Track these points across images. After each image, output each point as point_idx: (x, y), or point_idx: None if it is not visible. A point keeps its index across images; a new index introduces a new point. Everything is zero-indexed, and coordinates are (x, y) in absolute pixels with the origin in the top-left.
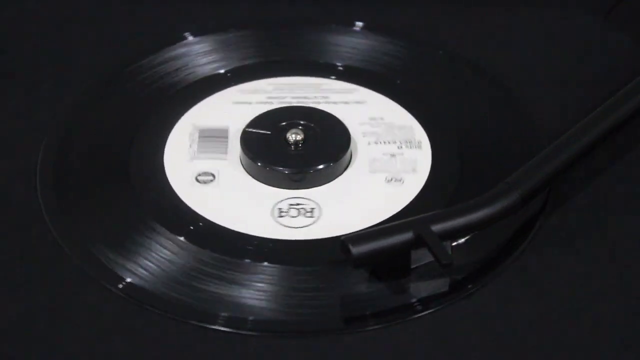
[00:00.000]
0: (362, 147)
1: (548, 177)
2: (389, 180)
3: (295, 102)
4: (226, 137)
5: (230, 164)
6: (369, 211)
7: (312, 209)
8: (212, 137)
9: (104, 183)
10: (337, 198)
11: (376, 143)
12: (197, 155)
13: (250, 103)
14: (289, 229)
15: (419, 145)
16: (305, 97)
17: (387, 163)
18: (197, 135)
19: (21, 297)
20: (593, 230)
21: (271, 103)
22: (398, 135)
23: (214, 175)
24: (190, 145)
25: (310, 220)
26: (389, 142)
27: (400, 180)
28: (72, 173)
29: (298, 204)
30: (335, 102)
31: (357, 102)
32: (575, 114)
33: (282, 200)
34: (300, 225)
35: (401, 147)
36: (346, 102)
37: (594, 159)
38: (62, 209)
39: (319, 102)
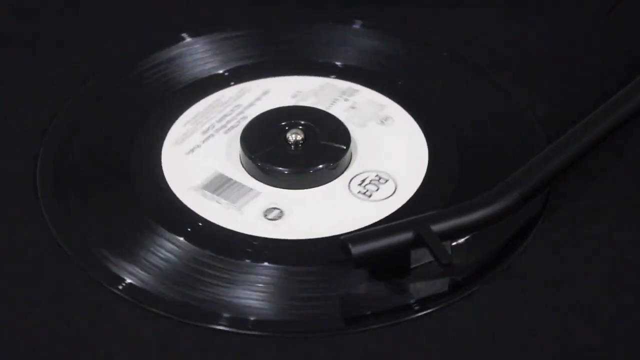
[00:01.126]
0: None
1: (548, 177)
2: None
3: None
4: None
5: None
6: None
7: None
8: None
9: (104, 183)
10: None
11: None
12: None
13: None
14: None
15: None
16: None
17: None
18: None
19: (21, 297)
20: (593, 230)
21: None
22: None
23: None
24: (219, 202)
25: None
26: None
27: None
28: (72, 173)
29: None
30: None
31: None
32: (575, 114)
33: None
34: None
35: (347, 99)
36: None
37: (594, 159)
38: (62, 209)
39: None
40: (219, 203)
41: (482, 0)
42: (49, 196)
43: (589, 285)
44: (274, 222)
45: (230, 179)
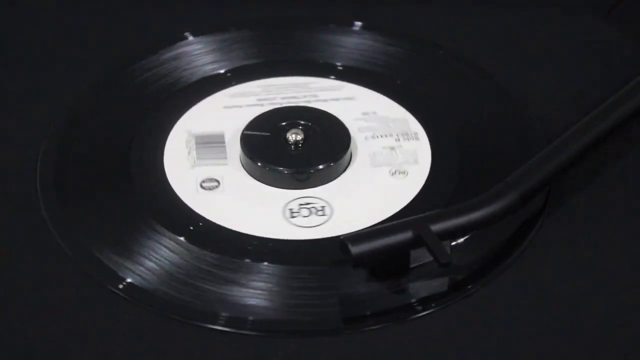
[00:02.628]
0: (360, 142)
1: (547, 176)
2: (393, 173)
3: (286, 103)
4: (223, 142)
5: (232, 168)
6: (375, 206)
7: (323, 207)
8: (209, 144)
9: (104, 183)
10: (345, 195)
11: (373, 137)
12: (197, 162)
13: (240, 106)
14: (300, 228)
15: (416, 137)
16: (294, 97)
17: (388, 156)
18: (193, 142)
19: (21, 297)
20: (593, 230)
21: (262, 105)
22: (393, 129)
23: (218, 182)
24: (189, 153)
25: (323, 218)
26: (385, 136)
27: (404, 173)
28: (72, 173)
29: (308, 204)
30: (325, 100)
31: (348, 99)
32: (575, 114)
33: (291, 201)
34: (314, 224)
35: (399, 139)
36: (337, 99)
37: (594, 158)
38: (62, 209)
39: (309, 101)
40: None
41: (482, 0)
42: (49, 196)
43: (589, 285)
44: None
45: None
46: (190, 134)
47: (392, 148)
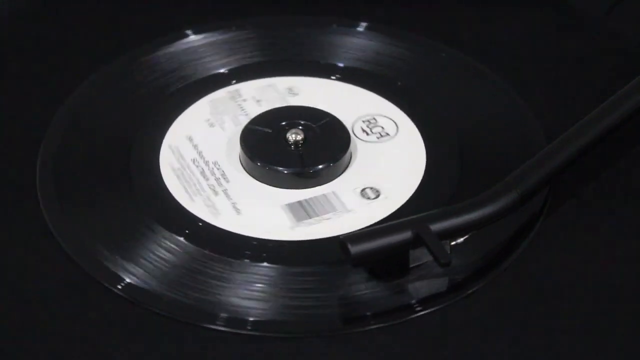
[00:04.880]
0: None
1: (547, 176)
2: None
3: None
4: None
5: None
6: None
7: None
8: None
9: (104, 183)
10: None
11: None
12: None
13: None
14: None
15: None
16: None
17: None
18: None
19: (21, 297)
20: (593, 229)
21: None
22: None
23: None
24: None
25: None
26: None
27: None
28: (72, 173)
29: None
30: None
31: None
32: (575, 114)
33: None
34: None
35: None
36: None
37: (593, 158)
38: (62, 209)
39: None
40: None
41: (482, 0)
42: (49, 196)
43: (589, 285)
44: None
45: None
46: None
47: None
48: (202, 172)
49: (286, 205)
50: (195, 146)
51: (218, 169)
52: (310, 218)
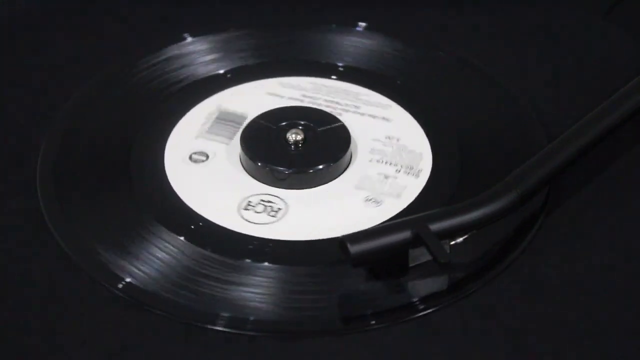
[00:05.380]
0: (362, 157)
1: (547, 176)
2: (368, 200)
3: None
4: (240, 124)
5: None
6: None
7: (279, 209)
8: (227, 121)
9: (104, 183)
10: (310, 203)
11: (378, 162)
12: (203, 135)
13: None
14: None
15: (417, 174)
16: (337, 102)
17: (376, 183)
18: (214, 116)
19: (21, 297)
20: (593, 229)
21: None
22: (404, 159)
23: (207, 157)
24: (203, 124)
25: (274, 219)
26: (390, 164)
27: (378, 202)
28: (72, 173)
29: (268, 201)
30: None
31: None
32: (575, 114)
33: (253, 195)
34: (261, 222)
35: (399, 171)
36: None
37: (593, 158)
38: (62, 209)
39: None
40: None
41: (482, 0)
42: (49, 196)
43: (589, 285)
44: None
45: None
46: (218, 109)
47: (387, 177)
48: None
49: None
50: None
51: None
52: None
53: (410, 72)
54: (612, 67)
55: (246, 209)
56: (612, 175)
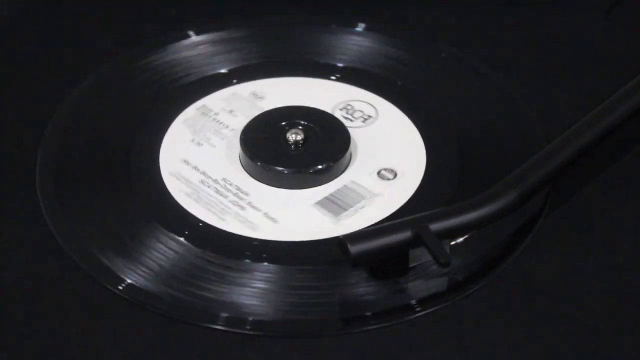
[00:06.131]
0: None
1: (546, 176)
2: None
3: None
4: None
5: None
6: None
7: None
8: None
9: (104, 183)
10: (310, 203)
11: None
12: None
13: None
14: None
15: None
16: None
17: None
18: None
19: (21, 297)
20: (593, 229)
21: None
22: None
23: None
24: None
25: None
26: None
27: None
28: (72, 173)
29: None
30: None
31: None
32: (575, 114)
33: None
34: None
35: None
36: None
37: (593, 158)
38: (62, 209)
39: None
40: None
41: (483, 0)
42: (49, 196)
43: (589, 285)
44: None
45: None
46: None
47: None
48: (217, 191)
49: (316, 203)
50: (195, 167)
51: (230, 184)
52: (346, 210)
53: (410, 73)
54: (612, 67)
55: (245, 209)
56: (612, 175)
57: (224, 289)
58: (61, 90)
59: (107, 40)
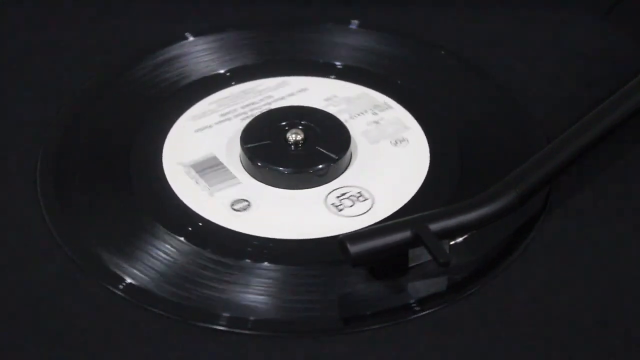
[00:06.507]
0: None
1: (546, 176)
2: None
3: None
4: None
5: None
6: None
7: (359, 193)
8: (209, 168)
9: (104, 183)
10: (310, 203)
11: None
12: (214, 189)
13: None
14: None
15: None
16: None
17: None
18: (194, 172)
19: (21, 297)
20: (593, 230)
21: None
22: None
23: (248, 202)
24: (197, 183)
25: (368, 204)
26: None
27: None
28: (72, 173)
29: (345, 194)
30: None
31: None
32: (575, 114)
33: (330, 193)
34: (359, 213)
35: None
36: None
37: (594, 158)
38: (62, 209)
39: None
40: (197, 183)
41: (482, 0)
42: (49, 196)
43: (589, 285)
44: (239, 212)
45: (220, 165)
46: (185, 165)
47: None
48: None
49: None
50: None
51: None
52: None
53: (410, 72)
54: (612, 68)
55: (245, 210)
56: (612, 176)
57: (224, 289)
58: (61, 90)
59: (107, 41)
